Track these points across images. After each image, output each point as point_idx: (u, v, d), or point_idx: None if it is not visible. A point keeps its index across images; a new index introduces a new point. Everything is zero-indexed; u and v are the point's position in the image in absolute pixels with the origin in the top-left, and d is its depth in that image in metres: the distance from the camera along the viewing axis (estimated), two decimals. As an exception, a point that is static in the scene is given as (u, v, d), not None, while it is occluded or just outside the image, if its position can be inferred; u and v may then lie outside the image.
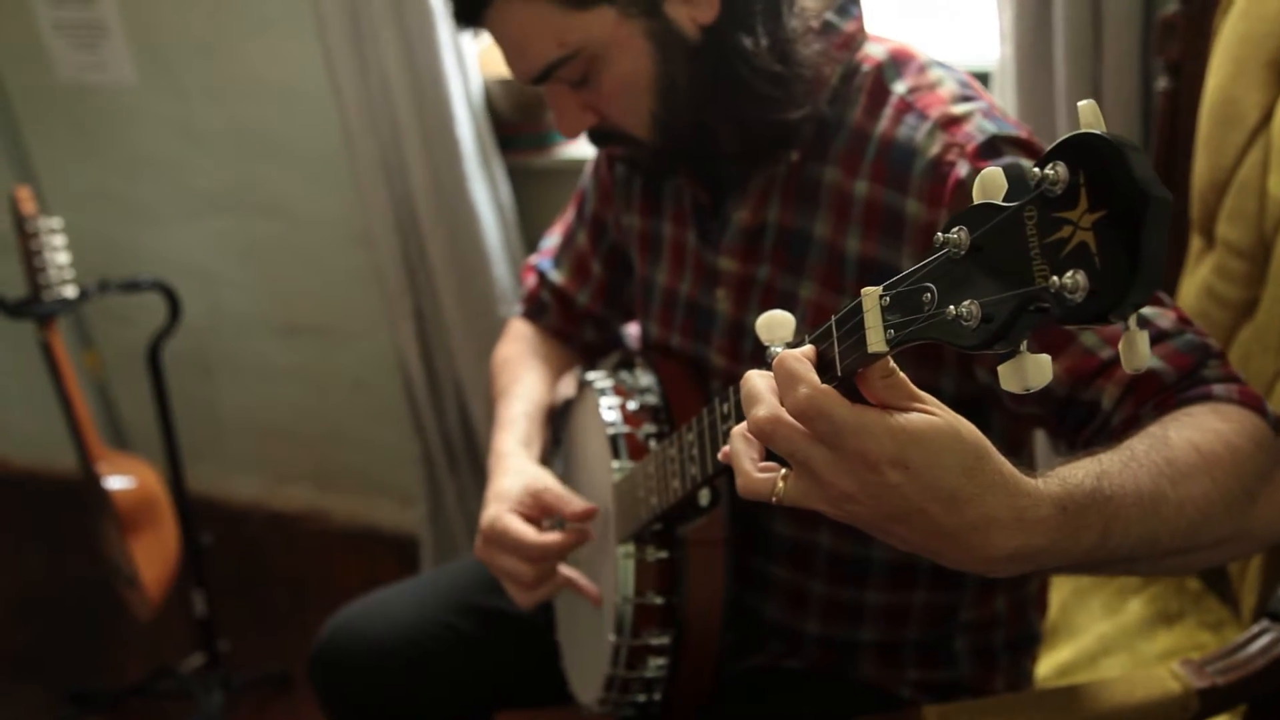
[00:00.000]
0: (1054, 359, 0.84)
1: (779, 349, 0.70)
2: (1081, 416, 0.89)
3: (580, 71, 1.00)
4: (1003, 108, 0.98)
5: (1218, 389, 0.83)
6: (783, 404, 0.63)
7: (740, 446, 0.70)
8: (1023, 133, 0.95)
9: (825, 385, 0.62)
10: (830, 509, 0.65)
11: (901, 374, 0.62)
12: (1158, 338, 0.86)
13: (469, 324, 2.07)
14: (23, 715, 2.25)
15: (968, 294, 0.53)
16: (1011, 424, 1.05)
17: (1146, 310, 0.87)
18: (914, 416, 0.61)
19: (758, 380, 0.67)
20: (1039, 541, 0.65)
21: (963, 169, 0.92)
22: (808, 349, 0.66)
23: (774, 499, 0.67)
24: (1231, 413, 0.81)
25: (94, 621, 2.43)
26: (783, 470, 0.67)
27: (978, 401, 1.00)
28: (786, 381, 0.62)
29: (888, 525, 0.64)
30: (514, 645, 1.29)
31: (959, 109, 0.96)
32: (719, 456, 0.78)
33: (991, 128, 0.94)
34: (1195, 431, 0.78)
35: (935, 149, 0.94)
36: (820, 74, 1.01)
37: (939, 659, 1.13)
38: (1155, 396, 0.84)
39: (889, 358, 0.61)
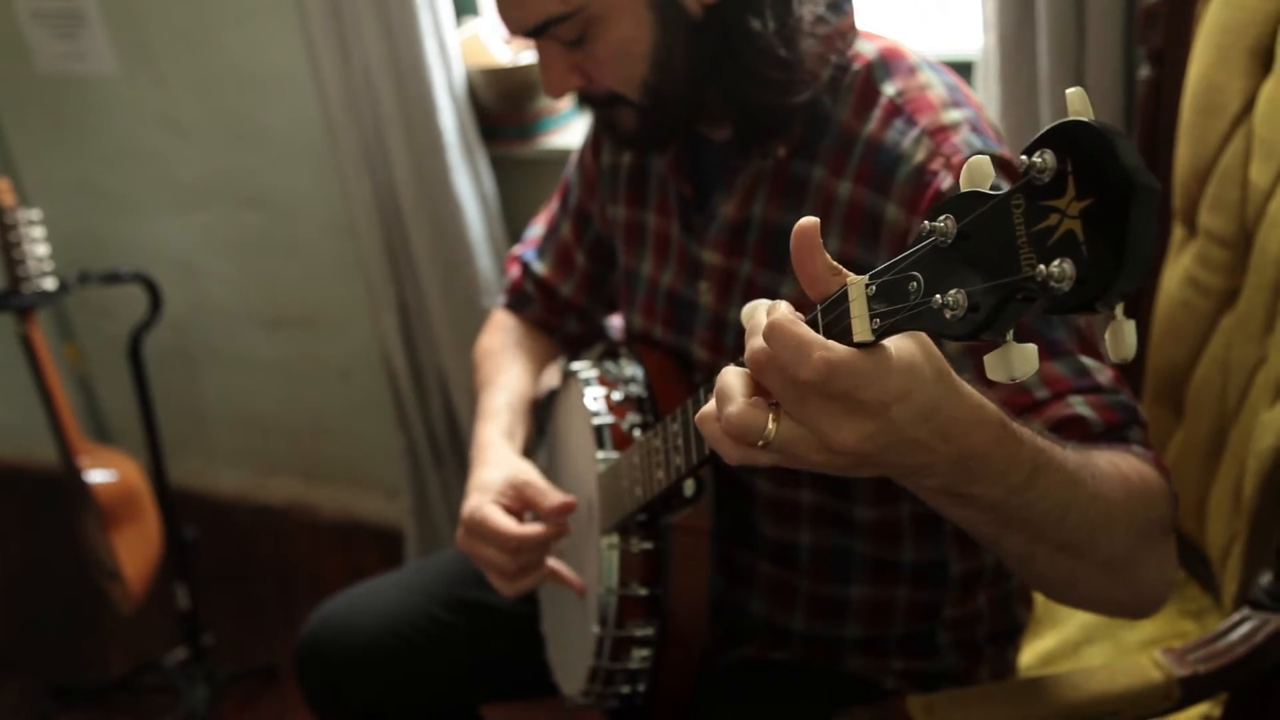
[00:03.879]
0: (989, 387, 0.84)
1: None
2: None
3: (577, 31, 0.98)
4: (987, 101, 0.98)
5: (1137, 449, 0.86)
6: (796, 373, 0.59)
7: (733, 381, 0.65)
8: (1005, 153, 0.96)
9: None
10: (822, 456, 0.62)
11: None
12: (1092, 389, 0.88)
13: (453, 315, 2.06)
14: (3, 710, 2.23)
15: (954, 283, 0.53)
16: None
17: (1088, 362, 0.89)
18: (893, 349, 0.60)
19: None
20: (986, 434, 0.66)
21: (945, 181, 0.92)
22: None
23: (762, 441, 0.62)
24: (1147, 465, 0.85)
25: (76, 616, 2.41)
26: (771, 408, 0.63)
27: None
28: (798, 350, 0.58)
29: (901, 455, 0.63)
30: (499, 637, 1.28)
31: (948, 117, 0.96)
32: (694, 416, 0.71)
33: (978, 143, 0.94)
34: (1116, 455, 0.83)
35: (921, 156, 0.94)
36: (819, 65, 1.00)
37: (923, 651, 1.14)
38: (1079, 441, 0.85)
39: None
